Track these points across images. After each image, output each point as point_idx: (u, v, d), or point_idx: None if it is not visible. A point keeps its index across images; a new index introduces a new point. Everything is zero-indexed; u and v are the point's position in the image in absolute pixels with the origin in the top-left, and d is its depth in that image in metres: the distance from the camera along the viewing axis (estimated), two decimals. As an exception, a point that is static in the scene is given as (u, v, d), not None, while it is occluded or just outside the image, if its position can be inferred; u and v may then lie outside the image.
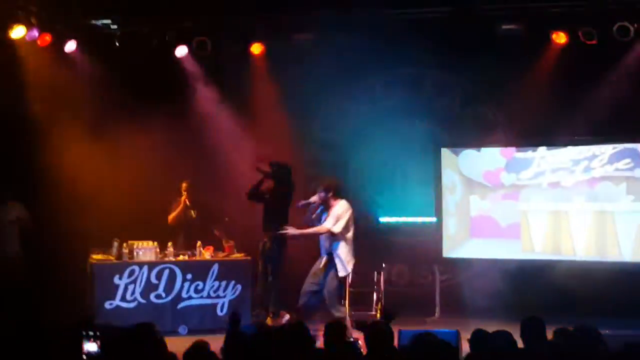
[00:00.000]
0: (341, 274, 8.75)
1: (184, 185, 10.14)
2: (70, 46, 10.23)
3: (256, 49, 10.56)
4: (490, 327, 5.69)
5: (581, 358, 4.75)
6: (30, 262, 9.63)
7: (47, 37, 9.99)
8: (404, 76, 11.42)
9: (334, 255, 8.72)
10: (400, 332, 6.55)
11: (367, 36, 10.24)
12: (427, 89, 11.40)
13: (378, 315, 9.86)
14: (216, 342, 5.48)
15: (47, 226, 9.99)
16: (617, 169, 9.92)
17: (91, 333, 5.25)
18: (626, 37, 9.65)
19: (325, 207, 8.81)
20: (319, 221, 8.82)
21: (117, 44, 10.33)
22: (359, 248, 10.21)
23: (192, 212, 10.15)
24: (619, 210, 9.99)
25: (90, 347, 5.23)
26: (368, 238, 11.00)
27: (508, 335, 5.22)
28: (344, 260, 8.72)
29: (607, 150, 10.12)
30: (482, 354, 4.83)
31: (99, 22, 10.40)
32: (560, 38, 10.03)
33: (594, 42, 9.84)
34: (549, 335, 5.46)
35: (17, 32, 9.61)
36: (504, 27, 10.06)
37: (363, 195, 11.22)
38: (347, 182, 11.30)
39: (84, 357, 5.21)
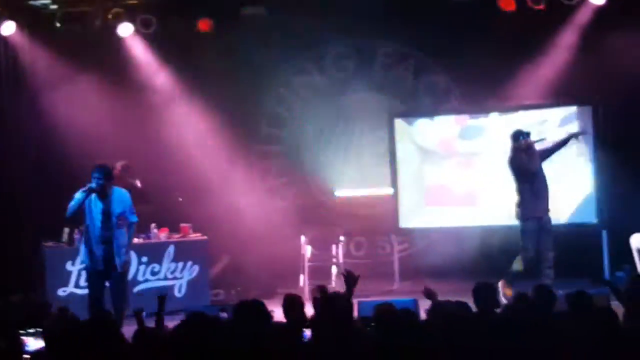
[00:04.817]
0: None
1: (118, 166, 9.33)
2: (9, 27, 9.93)
3: (204, 24, 10.38)
4: (448, 295, 5.71)
5: (533, 320, 4.77)
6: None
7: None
8: (355, 48, 11.35)
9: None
10: (360, 303, 6.54)
11: (317, 8, 10.14)
12: (379, 60, 11.35)
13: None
14: (174, 324, 5.40)
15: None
16: (567, 132, 9.95)
17: (37, 329, 4.90)
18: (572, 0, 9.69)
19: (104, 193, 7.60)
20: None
21: (58, 24, 10.08)
22: (317, 221, 10.21)
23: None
24: (571, 172, 10.05)
25: (35, 344, 4.90)
26: (325, 212, 11.02)
27: (463, 304, 5.23)
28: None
29: (557, 114, 10.18)
30: (437, 321, 4.84)
31: (38, 3, 10.14)
32: (508, 4, 10.01)
33: (541, 7, 9.86)
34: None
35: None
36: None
37: (318, 170, 11.18)
38: (301, 157, 11.29)
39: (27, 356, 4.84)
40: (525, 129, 8.98)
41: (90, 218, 7.63)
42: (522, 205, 8.79)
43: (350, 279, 5.78)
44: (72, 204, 7.56)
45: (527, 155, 8.75)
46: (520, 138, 8.80)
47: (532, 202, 8.77)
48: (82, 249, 7.80)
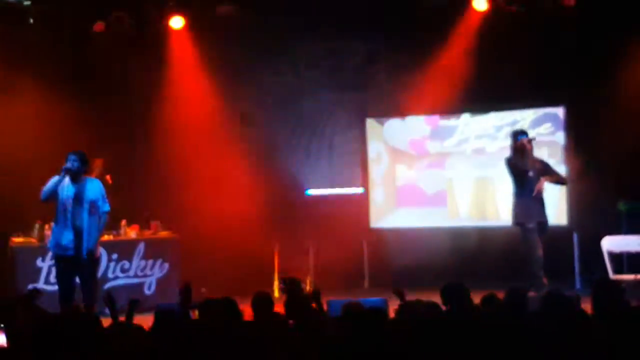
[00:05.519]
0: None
1: (97, 163, 9.29)
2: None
3: (177, 22, 10.36)
4: (418, 295, 5.74)
5: (504, 321, 4.81)
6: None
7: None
8: (328, 48, 11.36)
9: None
10: (329, 303, 6.56)
11: (291, 8, 10.15)
12: (351, 60, 11.37)
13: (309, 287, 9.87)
14: (144, 321, 5.38)
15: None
16: (538, 134, 10.04)
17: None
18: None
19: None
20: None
21: (32, 20, 10.01)
22: (288, 220, 10.20)
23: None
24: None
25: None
26: (296, 211, 11.03)
27: (433, 304, 5.26)
28: None
29: (528, 115, 10.28)
30: (406, 320, 4.86)
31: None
32: (480, 4, 10.11)
33: (512, 9, 9.96)
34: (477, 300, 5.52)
35: None
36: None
37: (290, 169, 11.18)
38: (274, 156, 11.30)
39: None
40: (523, 129, 9.08)
41: (62, 203, 7.54)
42: (518, 208, 8.83)
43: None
44: (48, 186, 7.47)
45: (521, 155, 8.81)
46: (517, 138, 8.86)
47: (529, 205, 8.78)
48: (52, 238, 7.71)
